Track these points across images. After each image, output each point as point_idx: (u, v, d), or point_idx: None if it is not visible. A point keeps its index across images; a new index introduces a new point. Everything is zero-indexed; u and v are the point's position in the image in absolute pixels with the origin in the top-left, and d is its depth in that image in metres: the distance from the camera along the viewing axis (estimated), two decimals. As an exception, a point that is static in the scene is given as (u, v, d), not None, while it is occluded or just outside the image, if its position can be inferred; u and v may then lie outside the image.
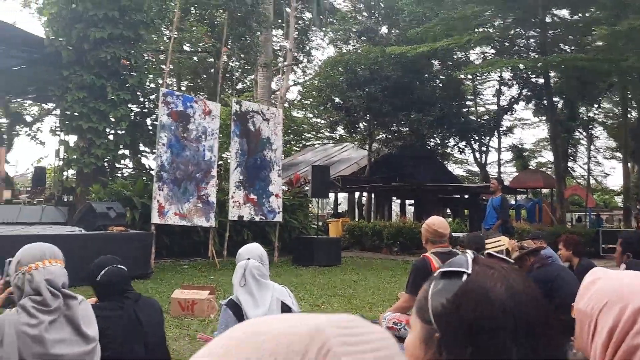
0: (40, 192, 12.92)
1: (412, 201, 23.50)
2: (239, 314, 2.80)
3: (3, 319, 2.08)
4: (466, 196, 21.21)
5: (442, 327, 0.74)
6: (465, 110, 21.71)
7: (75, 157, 11.08)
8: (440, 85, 20.46)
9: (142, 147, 13.08)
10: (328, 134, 30.13)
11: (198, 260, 10.30)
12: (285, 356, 0.46)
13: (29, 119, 17.37)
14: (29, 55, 11.77)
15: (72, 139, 11.73)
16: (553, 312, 0.77)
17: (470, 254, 0.79)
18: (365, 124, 20.36)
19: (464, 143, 21.69)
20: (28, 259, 2.20)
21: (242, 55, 15.86)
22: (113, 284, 2.68)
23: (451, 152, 23.70)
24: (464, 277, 0.76)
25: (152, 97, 12.36)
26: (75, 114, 10.96)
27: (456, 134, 20.26)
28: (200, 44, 14.96)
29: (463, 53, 21.43)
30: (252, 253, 2.94)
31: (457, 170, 32.14)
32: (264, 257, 2.97)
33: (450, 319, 0.73)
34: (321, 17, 22.42)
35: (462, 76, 21.56)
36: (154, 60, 13.77)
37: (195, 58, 18.21)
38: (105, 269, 2.68)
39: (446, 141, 20.83)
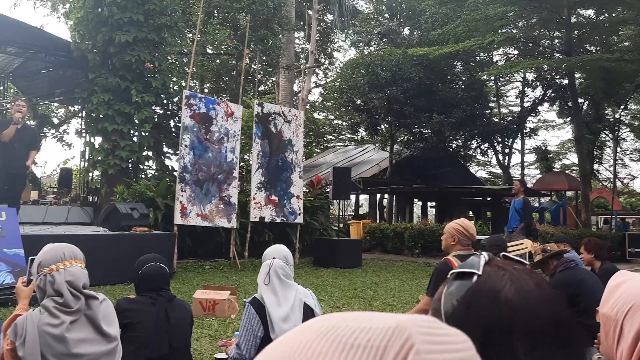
0: (66, 192, 13.17)
1: (434, 203, 23.34)
2: (261, 313, 2.83)
3: (25, 319, 2.13)
4: (489, 198, 21.00)
5: None
6: (488, 111, 21.50)
7: (100, 158, 11.27)
8: (463, 86, 20.30)
9: (165, 149, 13.23)
10: (349, 136, 30.12)
11: (219, 260, 10.38)
12: (365, 351, 0.44)
13: (55, 121, 17.75)
14: (56, 59, 12.03)
15: (97, 141, 11.93)
16: (572, 314, 0.76)
17: (484, 256, 0.79)
18: (387, 126, 20.31)
19: (486, 145, 21.47)
20: (49, 261, 2.24)
21: (264, 58, 15.96)
22: (152, 280, 2.80)
23: (474, 154, 23.47)
24: (475, 278, 0.76)
25: (176, 99, 12.50)
26: (101, 116, 11.14)
27: (479, 136, 20.07)
28: (223, 47, 15.08)
29: (486, 54, 21.23)
30: (277, 253, 2.98)
31: (479, 172, 31.84)
32: (289, 258, 3.01)
33: (460, 319, 0.72)
34: (343, 19, 22.43)
35: (485, 77, 21.36)
36: (177, 62, 13.93)
37: (217, 60, 18.37)
38: (148, 264, 2.81)
39: (469, 143, 20.65)
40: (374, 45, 22.26)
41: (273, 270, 2.90)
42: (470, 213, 24.10)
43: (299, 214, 11.36)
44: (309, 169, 20.52)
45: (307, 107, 23.79)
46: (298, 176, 11.53)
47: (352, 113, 20.64)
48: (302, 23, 24.33)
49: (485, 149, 21.77)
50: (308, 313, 2.93)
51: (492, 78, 22.65)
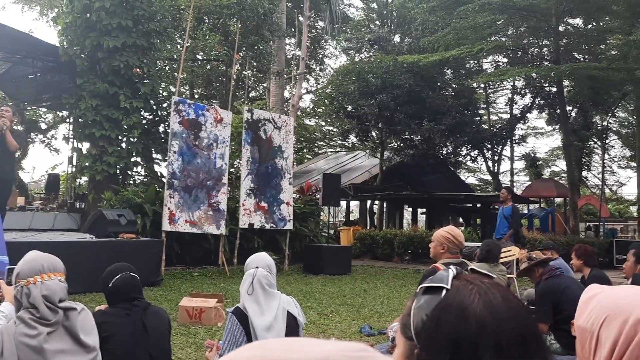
0: (53, 198, 13.05)
1: (424, 210, 23.39)
2: (244, 322, 2.80)
3: (1, 331, 2.09)
4: (478, 205, 21.07)
5: (422, 343, 0.73)
6: (477, 118, 21.60)
7: (87, 164, 11.18)
8: (453, 93, 20.40)
9: (154, 155, 13.16)
10: (340, 142, 30.15)
11: (208, 267, 10.31)
12: None
13: (43, 126, 17.62)
14: (44, 64, 11.95)
15: (85, 147, 11.85)
16: (538, 328, 0.75)
17: (452, 269, 0.78)
18: (377, 133, 20.34)
19: (476, 152, 21.56)
20: (27, 273, 2.21)
21: (254, 64, 15.96)
22: (123, 291, 2.72)
23: (463, 161, 23.57)
24: (443, 292, 0.75)
25: (165, 104, 12.45)
26: (89, 121, 11.06)
27: (468, 143, 20.15)
28: (213, 53, 15.08)
29: (475, 62, 21.36)
30: (260, 262, 2.95)
31: (469, 179, 31.98)
32: (272, 267, 2.98)
33: (429, 334, 0.72)
34: (334, 25, 22.53)
35: (475, 85, 21.48)
36: (166, 68, 13.89)
37: (207, 66, 18.36)
38: (118, 276, 2.72)
39: (458, 150, 20.72)
40: (365, 52, 22.34)
41: (257, 280, 2.87)
42: (460, 219, 24.19)
43: (289, 221, 11.32)
44: (300, 175, 20.50)
45: (298, 113, 23.82)
46: (288, 182, 11.50)
47: (343, 119, 20.65)
48: (292, 29, 24.39)
49: (475, 155, 21.86)
50: (291, 322, 2.91)
51: (482, 85, 22.79)
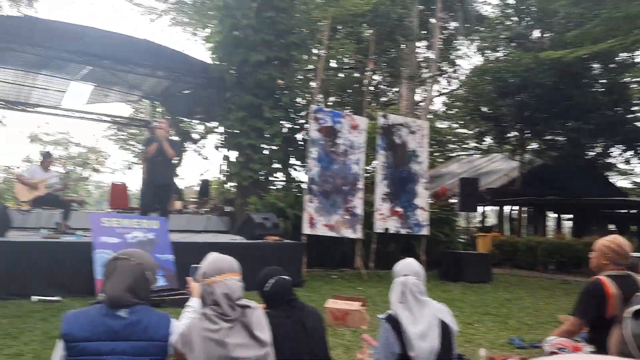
0: (205, 202, 14.25)
1: (570, 216, 21.75)
2: (397, 329, 2.87)
3: (190, 326, 2.37)
4: (633, 211, 19.14)
5: None
6: (631, 116, 19.62)
7: (235, 171, 12.05)
8: (602, 90, 18.74)
9: (293, 161, 13.79)
10: (474, 145, 29.10)
11: (345, 270, 10.58)
12: None
13: (195, 136, 19.32)
14: (197, 80, 13.11)
15: (232, 155, 12.79)
16: None
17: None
18: (516, 134, 19.35)
19: (631, 153, 19.59)
20: (210, 273, 2.47)
21: (387, 69, 16.06)
22: (280, 294, 2.86)
23: (615, 163, 21.52)
24: None
25: (302, 113, 13.02)
26: (236, 131, 11.95)
27: (621, 143, 18.38)
28: (346, 60, 15.47)
29: (628, 54, 19.42)
30: (410, 269, 2.99)
31: (621, 182, 29.06)
32: (422, 274, 3.01)
33: None
34: (467, 25, 21.86)
35: (628, 79, 19.53)
36: (303, 78, 14.51)
37: (340, 75, 18.82)
38: (273, 279, 2.87)
39: (609, 151, 18.99)
40: (501, 50, 21.37)
41: (408, 289, 2.91)
42: (613, 227, 22.09)
43: (424, 226, 11.23)
44: (433, 180, 20.14)
45: (430, 116, 23.46)
46: (423, 187, 11.42)
47: (478, 121, 19.96)
48: (424, 32, 24.10)
49: (629, 157, 19.87)
50: (445, 330, 2.92)
51: (637, 80, 20.63)
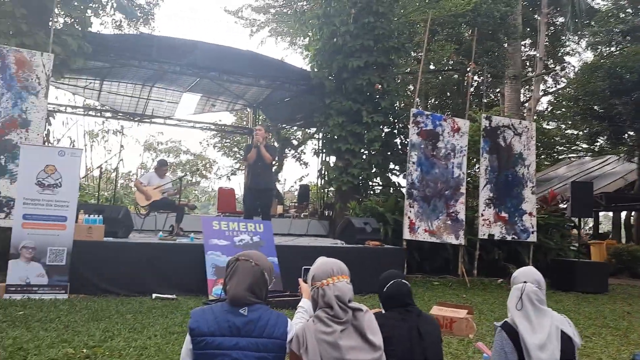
0: (305, 207, 14.57)
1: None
2: (514, 338, 2.76)
3: (303, 329, 2.42)
4: None
5: None
6: None
7: (334, 176, 12.21)
8: None
9: (391, 166, 13.73)
10: (585, 146, 27.24)
11: (448, 277, 10.32)
12: None
13: (295, 142, 19.83)
14: (297, 88, 13.47)
15: (332, 160, 12.97)
16: None
17: None
18: (634, 134, 17.86)
19: None
20: (321, 275, 2.53)
21: (489, 70, 15.52)
22: (397, 297, 2.89)
23: None
24: None
25: (402, 117, 12.92)
26: (335, 137, 12.11)
27: None
28: (446, 62, 15.14)
29: None
30: (529, 276, 2.88)
31: None
32: (542, 282, 2.88)
33: None
34: (576, 20, 20.57)
35: None
36: (402, 82, 14.41)
37: (440, 77, 18.46)
38: (391, 282, 2.92)
39: None
40: (615, 46, 19.85)
41: (526, 295, 2.79)
42: None
43: (532, 232, 10.69)
44: (539, 184, 19.11)
45: (535, 117, 22.32)
46: (530, 192, 10.88)
47: (590, 121, 18.64)
48: (528, 29, 23.01)
49: None
50: (567, 342, 2.76)
51: None
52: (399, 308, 2.86)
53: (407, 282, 2.98)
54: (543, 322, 2.77)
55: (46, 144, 8.87)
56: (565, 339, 2.77)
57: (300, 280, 3.04)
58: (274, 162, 8.69)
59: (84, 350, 4.15)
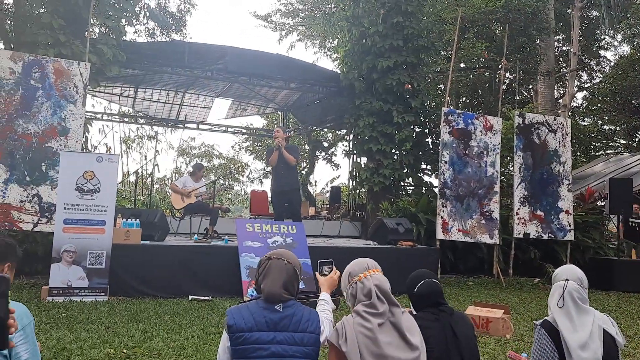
0: (336, 208, 14.58)
1: None
2: (554, 337, 2.71)
3: (342, 322, 2.44)
4: None
5: None
6: None
7: (366, 177, 12.19)
8: None
9: (423, 165, 13.63)
10: (623, 142, 26.51)
11: (482, 277, 10.18)
12: None
13: (325, 144, 19.86)
14: (327, 90, 13.50)
15: (363, 161, 12.94)
16: None
17: None
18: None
19: None
20: (357, 271, 2.57)
21: (521, 66, 15.26)
22: (429, 296, 2.84)
23: None
24: None
25: (433, 116, 12.82)
26: (366, 137, 12.10)
27: None
28: (475, 59, 14.93)
29: None
30: (570, 274, 2.83)
31: None
32: (584, 280, 2.82)
33: None
34: (612, 13, 20.05)
35: None
36: (433, 81, 14.29)
37: (470, 75, 18.24)
38: (422, 281, 2.88)
39: None
40: (654, 37, 19.30)
41: (567, 293, 2.75)
42: None
43: (569, 231, 10.47)
44: (576, 181, 18.67)
45: (570, 113, 21.83)
46: (566, 189, 10.66)
47: (628, 116, 18.18)
48: (561, 24, 22.53)
49: None
50: (609, 342, 2.70)
51: None
52: (431, 308, 2.82)
53: (438, 282, 2.94)
54: (585, 320, 2.72)
55: (84, 150, 9.12)
56: (608, 338, 2.71)
57: (317, 274, 3.07)
58: (296, 163, 8.59)
59: (124, 351, 4.26)
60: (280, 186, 8.42)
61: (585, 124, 28.07)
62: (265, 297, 2.44)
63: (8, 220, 7.22)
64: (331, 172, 57.60)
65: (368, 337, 2.36)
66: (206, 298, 6.91)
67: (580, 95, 27.40)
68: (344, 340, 2.36)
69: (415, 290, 2.90)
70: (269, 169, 24.94)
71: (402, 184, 13.16)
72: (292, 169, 8.46)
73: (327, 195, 16.85)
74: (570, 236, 10.47)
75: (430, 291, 2.86)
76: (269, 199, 10.63)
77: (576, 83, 24.62)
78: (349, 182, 14.77)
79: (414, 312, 3.00)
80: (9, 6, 10.12)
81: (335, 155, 20.09)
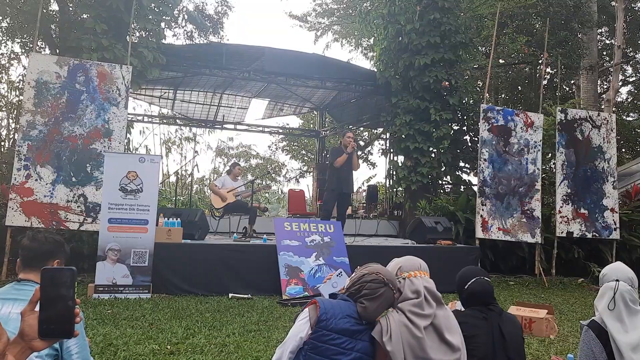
0: (373, 207, 14.52)
1: None
2: (603, 337, 2.64)
3: (387, 319, 2.44)
4: None
5: None
6: None
7: (403, 175, 12.10)
8: None
9: (461, 164, 13.44)
10: (672, 137, 25.45)
11: (524, 277, 9.97)
12: None
13: (361, 143, 19.81)
14: (363, 88, 13.46)
15: (400, 159, 12.85)
16: None
17: None
18: None
19: None
20: (409, 267, 2.55)
21: (563, 61, 14.86)
22: (481, 295, 2.81)
23: None
24: None
25: (471, 114, 12.61)
26: (403, 136, 12.00)
27: None
28: (516, 55, 14.62)
29: None
30: (621, 274, 2.73)
31: None
32: (635, 280, 2.73)
33: None
34: (659, 3, 19.27)
35: None
36: (471, 78, 14.06)
37: (509, 72, 17.86)
38: (473, 279, 2.84)
39: None
40: None
41: (619, 295, 2.65)
42: None
43: (615, 229, 10.14)
44: (621, 178, 18.06)
45: (614, 108, 21.12)
46: (611, 187, 10.33)
47: (677, 111, 17.44)
48: (604, 17, 21.82)
49: None
50: (663, 344, 2.61)
51: None
52: (481, 306, 2.78)
53: (489, 280, 2.89)
54: (636, 322, 2.63)
55: (127, 152, 9.36)
56: (662, 341, 2.61)
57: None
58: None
59: (168, 347, 4.36)
60: (345, 188, 8.75)
61: (631, 119, 27.11)
62: (365, 317, 2.42)
63: (55, 220, 7.48)
64: (368, 171, 57.42)
65: (414, 337, 2.34)
66: (246, 296, 6.99)
67: (624, 90, 26.48)
68: (389, 338, 2.35)
69: (466, 287, 2.86)
70: (305, 168, 25.06)
71: (440, 182, 13.00)
72: (353, 173, 8.82)
73: (364, 194, 16.79)
74: (615, 235, 10.14)
75: (481, 289, 2.82)
76: (306, 198, 10.69)
77: (620, 77, 23.76)
78: (385, 180, 14.69)
79: (462, 309, 2.97)
80: (54, 13, 10.47)
81: (372, 154, 20.03)
